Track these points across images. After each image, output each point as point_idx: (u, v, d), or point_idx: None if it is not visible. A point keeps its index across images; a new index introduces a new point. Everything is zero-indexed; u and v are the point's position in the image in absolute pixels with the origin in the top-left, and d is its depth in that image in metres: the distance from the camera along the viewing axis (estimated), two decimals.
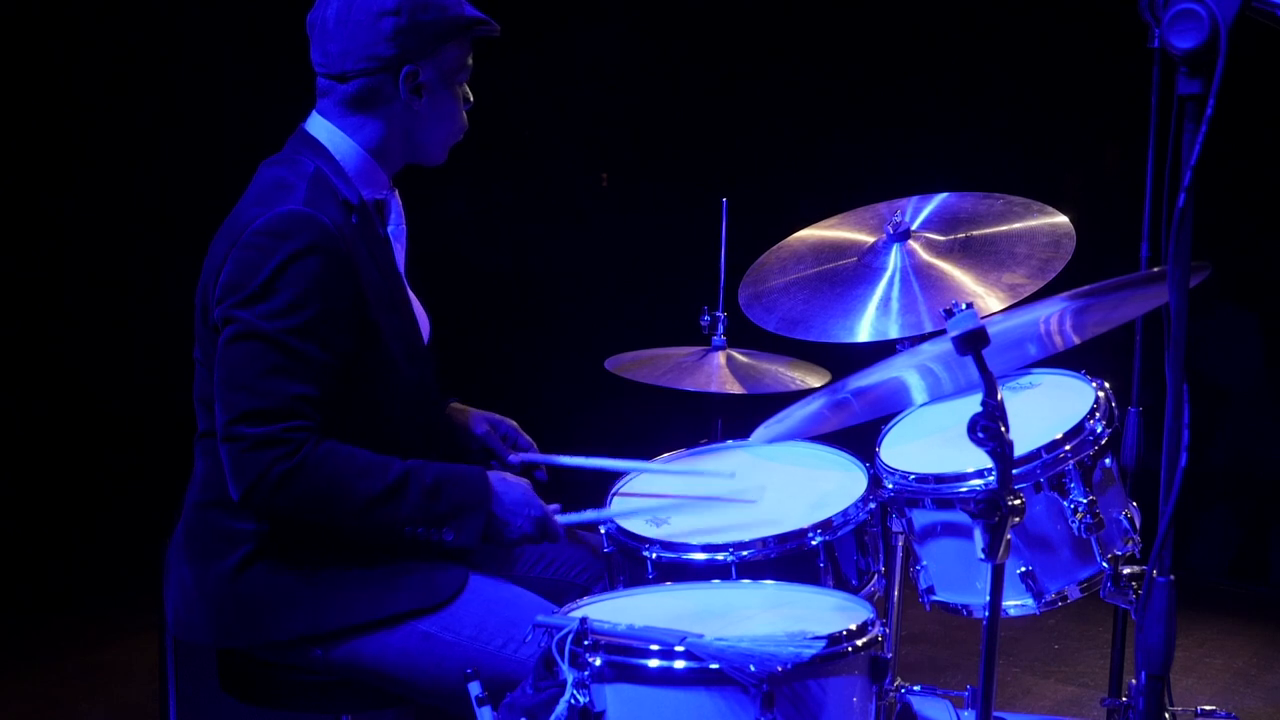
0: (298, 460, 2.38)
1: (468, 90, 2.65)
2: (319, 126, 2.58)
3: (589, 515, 2.69)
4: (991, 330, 2.01)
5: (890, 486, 2.61)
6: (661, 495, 2.78)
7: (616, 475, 2.87)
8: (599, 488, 2.83)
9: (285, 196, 2.46)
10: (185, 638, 2.62)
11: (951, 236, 2.91)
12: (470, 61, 2.62)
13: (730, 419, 3.39)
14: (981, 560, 2.04)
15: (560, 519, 2.64)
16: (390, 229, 2.64)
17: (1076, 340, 2.69)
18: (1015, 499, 2.03)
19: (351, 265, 2.47)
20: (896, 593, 2.86)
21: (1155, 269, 2.52)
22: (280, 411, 2.39)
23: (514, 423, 2.92)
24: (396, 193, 2.67)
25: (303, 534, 2.50)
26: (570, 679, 2.02)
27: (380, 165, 2.60)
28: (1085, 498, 2.47)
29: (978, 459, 2.38)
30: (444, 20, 2.55)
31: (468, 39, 2.60)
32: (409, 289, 2.68)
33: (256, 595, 2.50)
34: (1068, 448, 2.49)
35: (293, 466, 2.38)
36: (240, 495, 2.41)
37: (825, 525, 2.55)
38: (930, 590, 2.61)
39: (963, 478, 2.49)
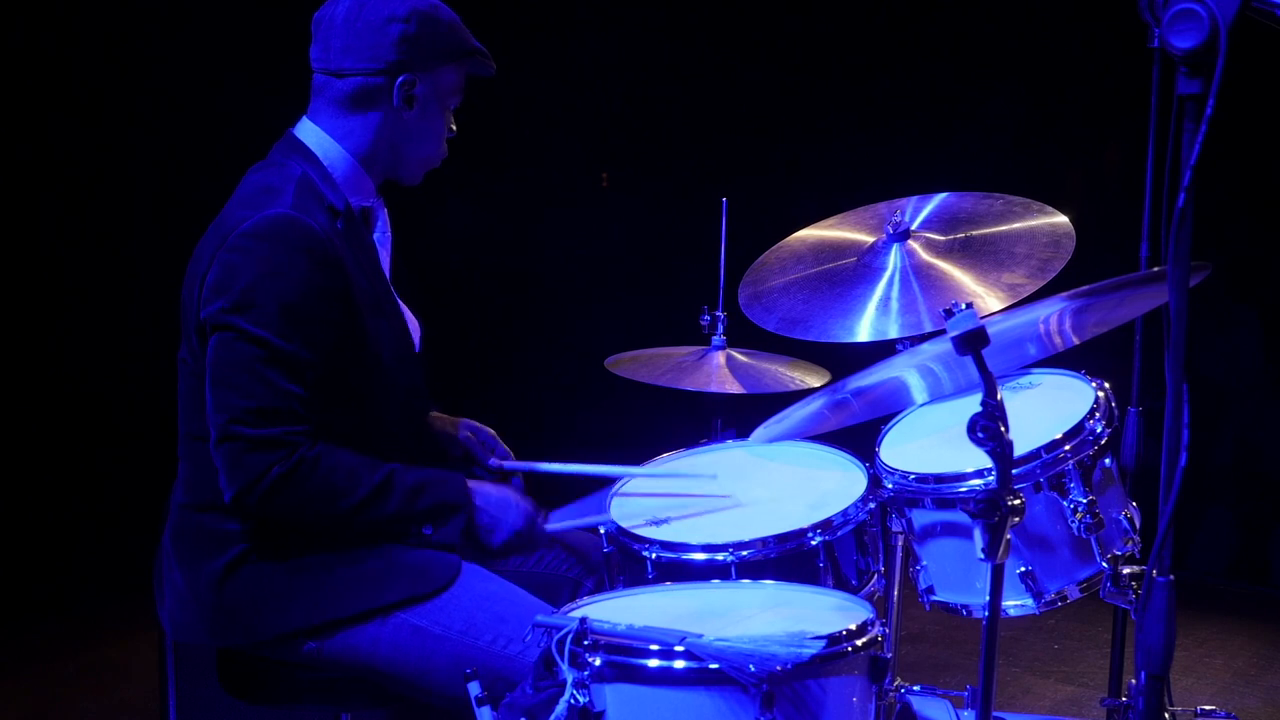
0: (293, 463, 2.40)
1: (452, 119, 2.67)
2: (308, 132, 2.60)
3: (578, 521, 2.71)
4: (991, 330, 2.01)
5: (890, 486, 2.60)
6: (655, 495, 2.78)
7: (605, 480, 2.87)
8: (585, 493, 2.84)
9: (272, 200, 2.48)
10: (183, 639, 2.63)
11: (951, 236, 2.91)
12: (462, 90, 2.66)
13: (730, 419, 3.39)
14: (981, 560, 2.04)
15: (550, 527, 2.68)
16: (375, 236, 2.66)
17: (1076, 340, 2.69)
18: (1015, 499, 2.03)
19: (338, 269, 2.48)
20: (896, 593, 2.86)
21: (1155, 269, 2.52)
22: (278, 412, 2.40)
23: (493, 431, 2.94)
24: (383, 201, 2.69)
25: (292, 531, 2.51)
26: (570, 679, 2.02)
27: (367, 173, 2.62)
28: (1085, 498, 2.47)
29: (978, 459, 2.38)
30: (449, 41, 2.59)
31: (465, 67, 2.64)
32: (397, 296, 2.69)
33: (250, 593, 2.51)
34: (1067, 448, 2.49)
35: (288, 470, 2.40)
36: (233, 496, 2.41)
37: (825, 525, 2.55)
38: (930, 590, 2.61)
39: (963, 478, 2.49)
